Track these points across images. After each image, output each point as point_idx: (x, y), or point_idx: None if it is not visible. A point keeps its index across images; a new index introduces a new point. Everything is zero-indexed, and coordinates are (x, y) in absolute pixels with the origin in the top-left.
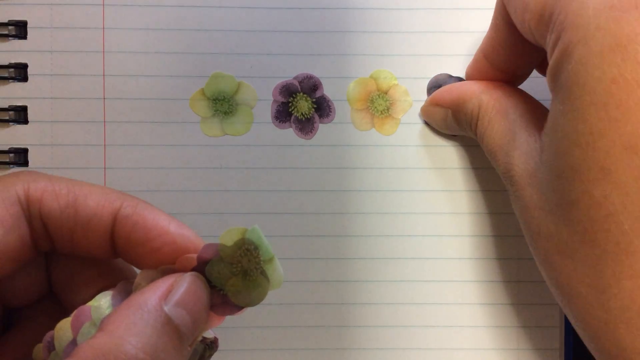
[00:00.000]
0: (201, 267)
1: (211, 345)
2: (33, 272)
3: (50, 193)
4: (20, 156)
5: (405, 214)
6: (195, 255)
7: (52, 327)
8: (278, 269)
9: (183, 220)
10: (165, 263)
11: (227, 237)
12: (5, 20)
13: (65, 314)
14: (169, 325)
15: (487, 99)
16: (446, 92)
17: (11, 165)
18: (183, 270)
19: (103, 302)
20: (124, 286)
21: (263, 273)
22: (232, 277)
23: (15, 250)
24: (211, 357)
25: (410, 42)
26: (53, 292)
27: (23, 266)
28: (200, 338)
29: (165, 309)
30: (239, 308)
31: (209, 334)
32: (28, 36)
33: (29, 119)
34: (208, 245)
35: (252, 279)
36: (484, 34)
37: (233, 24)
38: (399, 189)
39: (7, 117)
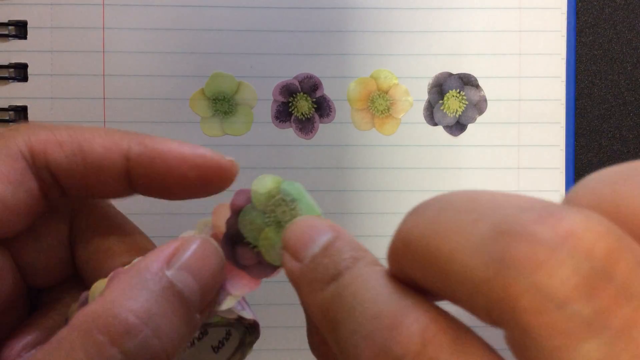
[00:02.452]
0: (235, 218)
1: (251, 330)
2: (57, 250)
3: (53, 143)
4: None
5: None
6: (228, 204)
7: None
8: None
9: (182, 221)
10: (194, 189)
11: (259, 184)
12: (5, 20)
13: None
14: (170, 289)
15: None
16: None
17: None
18: (219, 222)
19: None
20: None
21: None
22: (265, 227)
23: (26, 205)
24: (253, 345)
25: (410, 41)
26: (77, 272)
27: (36, 219)
28: (219, 307)
29: (168, 273)
30: (273, 268)
31: (248, 314)
32: (28, 36)
33: (29, 119)
34: (241, 191)
35: None
36: (484, 34)
37: (233, 24)
38: (399, 189)
39: (7, 117)
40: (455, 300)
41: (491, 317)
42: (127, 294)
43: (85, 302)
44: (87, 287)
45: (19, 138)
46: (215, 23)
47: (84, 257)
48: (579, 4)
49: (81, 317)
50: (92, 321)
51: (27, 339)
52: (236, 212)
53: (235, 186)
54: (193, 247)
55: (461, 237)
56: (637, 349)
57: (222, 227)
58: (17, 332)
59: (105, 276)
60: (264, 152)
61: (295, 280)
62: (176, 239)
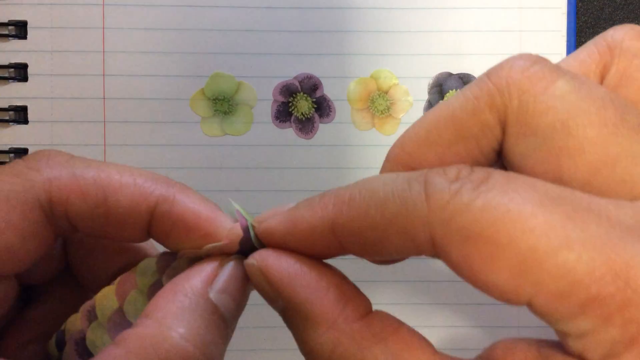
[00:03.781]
0: (247, 236)
1: None
2: (51, 253)
3: (76, 192)
4: (20, 156)
5: None
6: (238, 224)
7: (71, 301)
8: None
9: None
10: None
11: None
12: (5, 20)
13: (83, 288)
14: (216, 314)
15: None
16: None
17: None
18: (232, 243)
19: (148, 269)
20: (169, 255)
21: None
22: None
23: (36, 251)
24: None
25: (411, 41)
26: (69, 268)
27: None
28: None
29: (211, 295)
30: None
31: None
32: (28, 36)
33: (29, 119)
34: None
35: None
36: (484, 34)
37: (233, 24)
38: None
39: (7, 117)
40: (475, 136)
41: (497, 108)
42: (180, 318)
43: (91, 312)
44: (81, 284)
45: (38, 182)
46: (215, 23)
47: (78, 257)
48: (579, 4)
49: (137, 342)
50: (152, 347)
51: (24, 333)
52: (247, 230)
53: (235, 185)
54: (229, 268)
55: (461, 96)
56: (589, 84)
57: (235, 247)
58: (13, 326)
59: (101, 281)
60: (264, 152)
61: (288, 218)
62: (211, 259)
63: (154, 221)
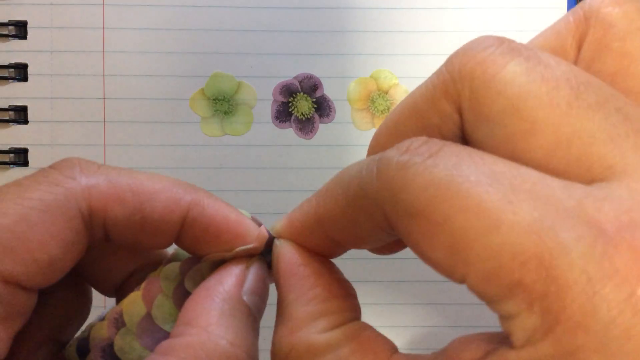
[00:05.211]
0: (271, 238)
1: None
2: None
3: (114, 199)
4: (20, 156)
5: None
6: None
7: (75, 305)
8: None
9: None
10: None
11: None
12: (5, 20)
13: (88, 288)
14: (251, 315)
15: None
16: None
17: (11, 165)
18: (260, 244)
19: (172, 273)
20: (192, 260)
21: None
22: None
23: (71, 264)
24: None
25: (411, 41)
26: (77, 270)
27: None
28: None
29: (245, 298)
30: None
31: None
32: (28, 36)
33: (29, 119)
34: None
35: None
36: (484, 33)
37: (233, 24)
38: None
39: (7, 117)
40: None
41: (451, 96)
42: (224, 325)
43: (118, 319)
44: (92, 284)
45: (78, 191)
46: (215, 23)
47: (89, 259)
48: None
49: (187, 350)
50: (205, 357)
51: (32, 338)
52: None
53: (235, 185)
54: (255, 269)
55: (423, 85)
56: (545, 64)
57: (261, 248)
58: (24, 331)
59: (117, 283)
60: (264, 152)
61: (287, 220)
62: (236, 262)
63: (186, 226)
